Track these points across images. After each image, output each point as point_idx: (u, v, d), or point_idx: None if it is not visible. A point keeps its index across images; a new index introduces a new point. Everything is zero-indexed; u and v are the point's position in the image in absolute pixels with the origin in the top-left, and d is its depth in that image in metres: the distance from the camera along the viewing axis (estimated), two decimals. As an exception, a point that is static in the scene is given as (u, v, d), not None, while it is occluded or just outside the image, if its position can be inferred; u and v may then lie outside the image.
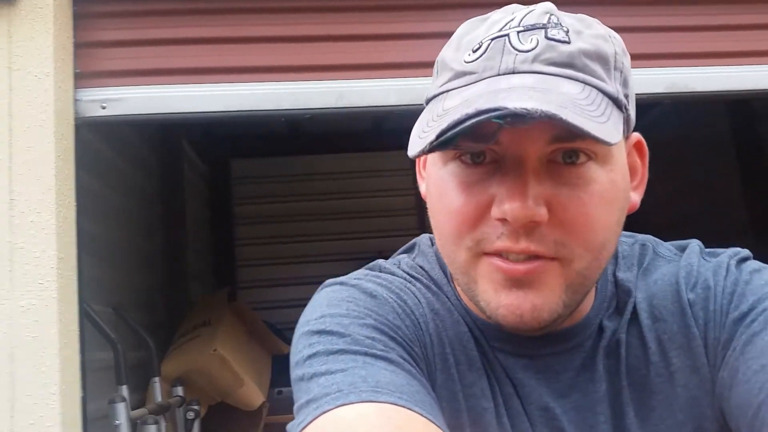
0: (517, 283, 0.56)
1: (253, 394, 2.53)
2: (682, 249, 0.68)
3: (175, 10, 1.85)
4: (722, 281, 0.62)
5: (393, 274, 0.68)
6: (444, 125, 0.52)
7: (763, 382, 0.53)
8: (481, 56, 0.57)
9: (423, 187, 0.67)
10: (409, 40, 1.86)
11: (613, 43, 0.59)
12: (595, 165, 0.56)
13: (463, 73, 0.58)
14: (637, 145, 0.64)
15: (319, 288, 0.67)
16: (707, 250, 0.68)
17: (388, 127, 3.84)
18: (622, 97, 0.57)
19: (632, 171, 0.63)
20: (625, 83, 0.58)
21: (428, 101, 0.62)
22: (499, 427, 0.62)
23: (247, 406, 2.56)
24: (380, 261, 0.71)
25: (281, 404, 2.75)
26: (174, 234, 3.19)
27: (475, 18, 0.62)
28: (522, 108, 0.49)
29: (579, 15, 0.60)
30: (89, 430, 1.64)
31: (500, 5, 0.61)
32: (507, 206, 0.54)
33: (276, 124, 3.71)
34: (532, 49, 0.55)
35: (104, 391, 1.90)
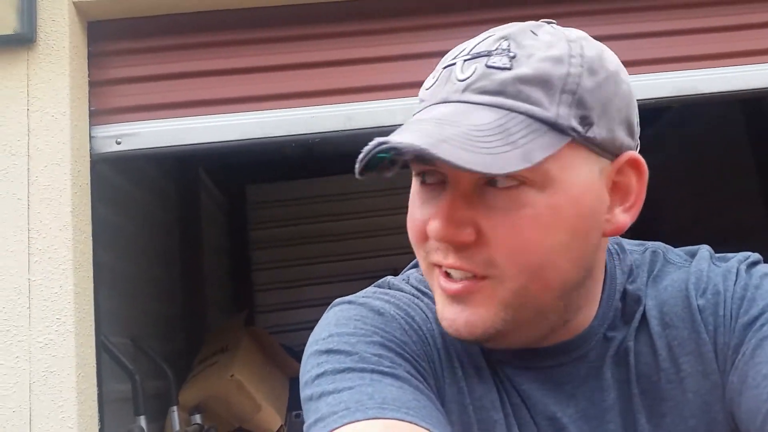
0: (454, 299, 0.59)
1: (271, 418, 2.54)
2: (692, 255, 0.69)
3: (184, 45, 1.90)
4: (732, 286, 0.62)
5: (401, 290, 0.70)
6: (362, 154, 0.56)
7: None
8: (433, 84, 0.61)
9: None
10: (413, 60, 1.90)
11: (570, 64, 0.56)
12: (529, 189, 0.55)
13: (422, 100, 0.62)
14: (633, 164, 0.61)
15: (329, 308, 0.69)
16: (717, 255, 0.68)
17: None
18: (566, 120, 0.55)
19: (624, 191, 0.61)
20: (580, 104, 0.56)
21: None
22: None
23: (265, 430, 2.56)
24: (389, 278, 0.73)
25: (299, 427, 2.75)
26: (192, 262, 3.23)
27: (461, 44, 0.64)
28: (398, 143, 0.52)
29: (562, 32, 0.60)
30: (108, 461, 1.66)
31: (506, 21, 0.63)
32: (430, 225, 0.57)
33: (288, 148, 3.76)
34: (468, 78, 0.57)
35: (123, 422, 1.93)
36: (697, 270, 0.66)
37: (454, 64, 0.59)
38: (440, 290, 0.60)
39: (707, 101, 1.94)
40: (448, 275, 0.59)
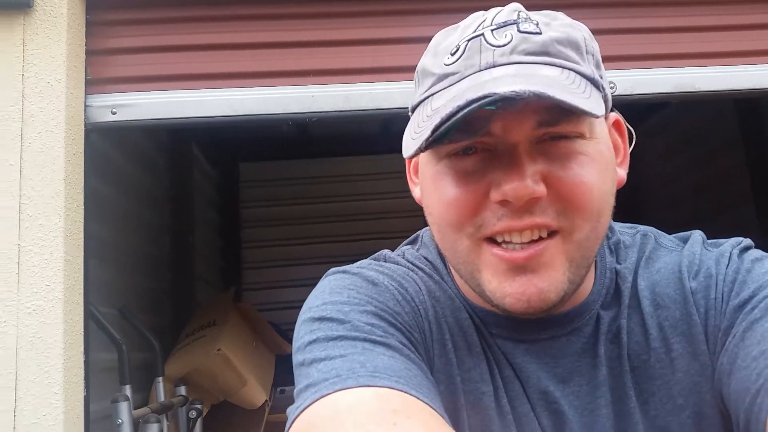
0: (520, 269, 0.58)
1: (256, 393, 2.56)
2: (685, 240, 0.71)
3: (183, 18, 1.89)
4: (724, 270, 0.64)
5: (397, 263, 0.71)
6: (437, 121, 0.55)
7: (762, 368, 0.55)
8: (460, 57, 0.60)
9: (416, 191, 0.71)
10: (413, 44, 1.89)
11: (581, 30, 0.62)
12: (580, 139, 0.59)
13: (445, 75, 0.61)
14: (616, 124, 0.68)
15: (323, 276, 0.70)
16: (709, 240, 0.70)
17: (394, 131, 3.85)
18: (597, 77, 0.61)
19: (615, 147, 0.66)
20: (598, 65, 0.62)
21: (413, 109, 0.66)
22: (498, 410, 0.64)
23: (250, 405, 2.59)
24: (385, 251, 0.74)
25: (283, 403, 2.77)
26: (182, 237, 3.23)
27: (446, 28, 0.66)
28: (511, 91, 0.52)
29: (544, 11, 0.64)
30: (92, 429, 1.67)
31: (504, 3, 0.65)
32: (507, 187, 0.56)
33: (284, 127, 3.75)
34: (508, 43, 0.59)
35: (108, 391, 1.94)
36: (690, 253, 0.67)
37: (480, 35, 0.60)
38: (497, 264, 0.59)
39: (705, 99, 1.95)
40: (506, 248, 0.58)
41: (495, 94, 0.52)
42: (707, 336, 0.63)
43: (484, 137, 0.58)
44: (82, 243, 1.70)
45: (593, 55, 0.62)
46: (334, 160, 4.33)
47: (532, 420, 0.64)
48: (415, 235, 0.77)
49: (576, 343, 0.65)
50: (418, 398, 0.53)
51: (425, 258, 0.72)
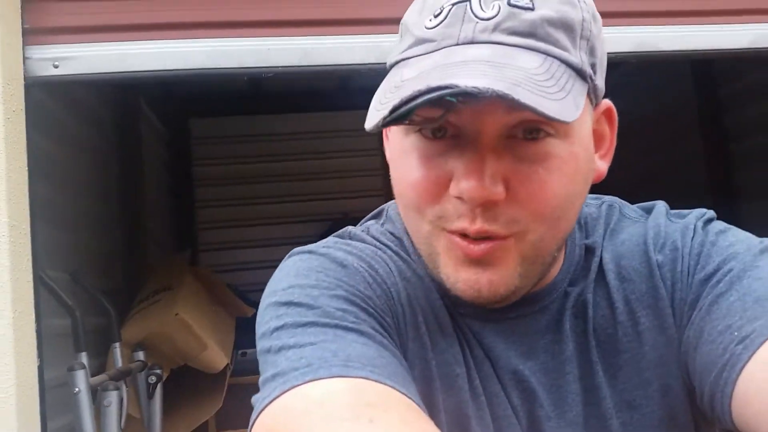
0: (474, 262, 0.57)
1: (217, 357, 2.53)
2: (648, 210, 0.70)
3: (131, -38, 1.76)
4: (689, 242, 0.63)
5: (363, 241, 0.68)
6: (396, 101, 0.51)
7: (727, 343, 0.55)
8: (441, 22, 0.56)
9: (388, 152, 0.67)
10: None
11: (582, 9, 0.57)
12: (556, 140, 0.55)
13: (423, 41, 0.57)
14: (607, 113, 0.64)
15: (286, 257, 0.66)
16: (673, 211, 0.69)
17: (354, 86, 3.76)
18: (587, 67, 0.56)
19: (600, 139, 0.63)
20: (592, 52, 0.57)
21: (390, 66, 0.61)
22: (471, 392, 0.63)
23: (211, 368, 2.56)
24: (349, 228, 0.70)
25: (245, 366, 2.76)
26: (132, 197, 3.11)
27: None
28: (473, 87, 0.48)
29: None
30: (48, 398, 1.61)
31: None
32: (464, 185, 0.54)
33: (238, 82, 3.61)
34: (493, 17, 0.54)
35: (63, 359, 1.87)
36: (654, 225, 0.67)
37: (468, 0, 0.55)
38: (455, 253, 0.58)
39: (667, 59, 1.95)
40: (464, 237, 0.56)
41: (456, 86, 0.48)
42: (674, 309, 0.63)
43: (451, 119, 0.55)
44: (28, 206, 1.60)
45: (588, 40, 0.57)
46: (290, 116, 4.22)
47: (503, 400, 0.63)
48: (380, 208, 0.74)
49: (541, 320, 0.65)
50: (393, 388, 0.50)
51: (391, 234, 0.69)
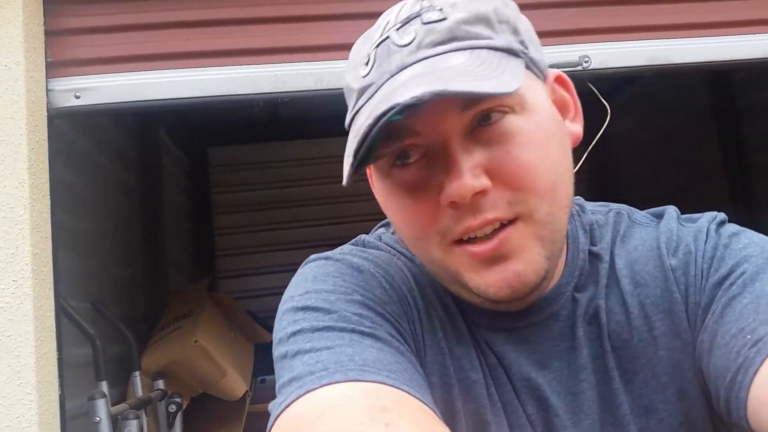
0: (493, 260, 0.57)
1: (236, 384, 2.52)
2: (658, 215, 0.69)
3: (148, -5, 1.80)
4: (702, 246, 0.63)
5: (377, 248, 0.68)
6: (355, 145, 0.53)
7: (741, 346, 0.54)
8: (372, 67, 0.58)
9: (379, 199, 0.68)
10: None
11: (491, 1, 0.60)
12: (515, 116, 0.57)
13: (365, 89, 0.59)
14: (559, 80, 0.66)
15: (303, 263, 0.66)
16: (684, 215, 0.69)
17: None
18: (515, 45, 0.58)
19: (563, 105, 0.65)
20: (515, 31, 0.60)
21: (348, 127, 0.63)
22: (489, 398, 0.62)
23: (230, 396, 2.54)
24: (363, 236, 0.71)
25: (264, 393, 2.74)
26: (152, 225, 3.14)
27: (363, 35, 0.64)
28: (411, 97, 0.50)
29: None
30: (69, 428, 1.61)
31: None
32: (449, 189, 0.54)
33: (254, 109, 3.65)
34: (413, 40, 0.57)
35: (84, 388, 1.87)
36: (667, 229, 0.66)
37: (386, 38, 0.58)
38: (473, 262, 0.57)
39: (679, 72, 1.95)
40: (474, 242, 0.57)
41: (397, 105, 0.50)
42: (688, 313, 0.62)
43: (413, 138, 0.56)
44: (50, 234, 1.62)
45: (508, 23, 0.59)
46: (305, 142, 4.26)
47: (517, 408, 0.63)
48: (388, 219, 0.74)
49: (553, 328, 0.64)
50: (408, 393, 0.50)
51: (403, 240, 0.69)
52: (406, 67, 0.56)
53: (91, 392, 1.81)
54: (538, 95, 0.60)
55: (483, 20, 0.58)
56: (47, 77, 1.70)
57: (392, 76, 0.57)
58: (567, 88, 0.66)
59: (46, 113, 1.68)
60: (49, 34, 1.72)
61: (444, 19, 0.57)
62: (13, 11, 1.60)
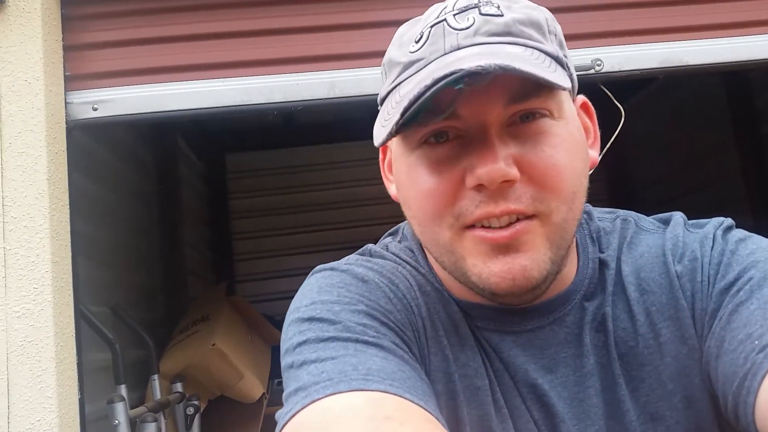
0: (503, 249, 0.58)
1: (253, 386, 2.55)
2: (665, 221, 0.70)
3: (161, 8, 1.84)
4: (709, 252, 0.63)
5: (383, 257, 0.69)
6: (405, 103, 0.54)
7: (749, 352, 0.54)
8: (425, 44, 0.60)
9: (392, 189, 0.69)
10: (397, 27, 1.86)
11: (542, 12, 0.63)
12: (551, 120, 0.59)
13: (411, 63, 0.60)
14: (584, 107, 0.68)
15: (309, 274, 0.68)
16: (691, 221, 0.69)
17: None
18: (562, 56, 0.61)
19: (585, 130, 0.66)
20: (561, 45, 0.62)
21: (382, 101, 0.64)
22: (494, 404, 0.63)
23: (247, 398, 2.58)
24: (369, 245, 0.73)
25: (281, 395, 2.76)
26: (171, 231, 3.19)
27: (409, 21, 0.66)
28: (477, 66, 0.51)
29: None
30: (88, 431, 1.66)
31: None
32: (480, 170, 0.56)
33: (269, 116, 3.70)
34: (471, 26, 0.58)
35: (103, 392, 1.92)
36: (673, 236, 0.66)
37: (443, 20, 0.60)
38: (481, 248, 0.58)
39: (693, 73, 1.94)
40: (488, 228, 0.58)
41: (461, 70, 0.52)
42: (694, 320, 0.62)
43: (453, 120, 0.58)
44: (70, 243, 1.67)
45: (556, 36, 0.62)
46: (321, 147, 4.29)
47: (524, 413, 0.63)
48: (396, 227, 0.76)
49: (559, 333, 0.65)
50: (412, 402, 0.51)
51: (409, 250, 0.71)
52: (461, 48, 0.58)
53: (110, 396, 1.85)
54: (571, 108, 0.63)
55: (536, 25, 0.60)
56: (66, 90, 1.75)
57: (444, 54, 0.58)
58: (590, 115, 0.68)
59: (64, 125, 1.73)
60: (67, 49, 1.77)
61: (501, 15, 0.59)
62: (33, 29, 1.66)
